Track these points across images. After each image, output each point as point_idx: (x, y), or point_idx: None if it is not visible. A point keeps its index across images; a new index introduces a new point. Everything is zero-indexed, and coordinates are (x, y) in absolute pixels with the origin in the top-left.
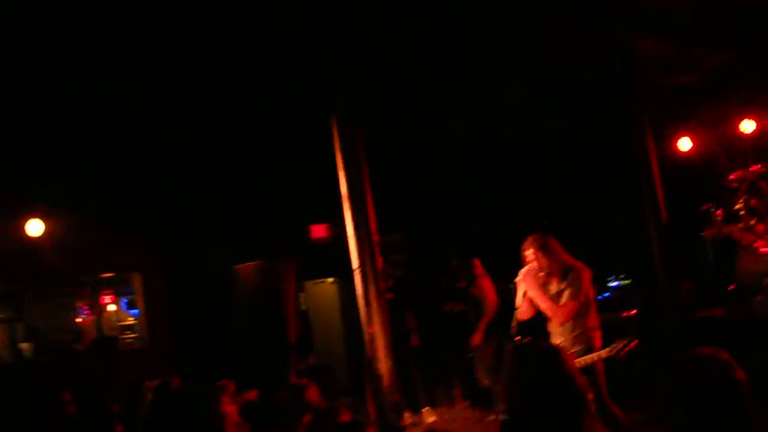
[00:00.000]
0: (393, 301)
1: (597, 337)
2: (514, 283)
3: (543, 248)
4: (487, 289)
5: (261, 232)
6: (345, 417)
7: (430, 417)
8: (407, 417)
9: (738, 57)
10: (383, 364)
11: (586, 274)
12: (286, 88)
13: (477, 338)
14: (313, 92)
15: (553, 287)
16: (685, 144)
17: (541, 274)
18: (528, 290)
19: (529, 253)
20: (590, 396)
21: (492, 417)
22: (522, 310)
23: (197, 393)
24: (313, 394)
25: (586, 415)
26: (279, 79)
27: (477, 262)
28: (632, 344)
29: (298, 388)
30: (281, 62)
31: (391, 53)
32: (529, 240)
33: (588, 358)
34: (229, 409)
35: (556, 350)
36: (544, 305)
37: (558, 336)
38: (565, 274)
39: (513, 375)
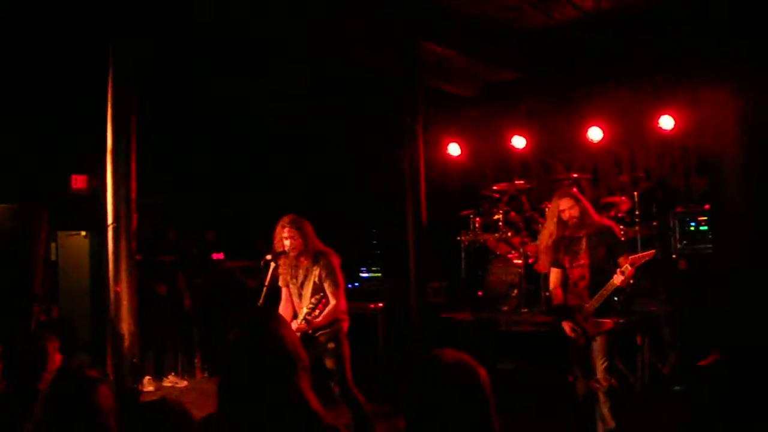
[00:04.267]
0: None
1: (345, 321)
2: (265, 261)
3: (298, 229)
4: None
5: (16, 174)
6: (90, 373)
7: (149, 386)
8: (147, 382)
9: (518, 76)
10: (126, 324)
11: (336, 260)
12: (64, 29)
13: None
14: (89, 41)
15: (302, 270)
16: (453, 150)
17: (292, 254)
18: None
19: (285, 232)
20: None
21: None
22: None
23: None
24: (52, 347)
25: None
26: (54, 27)
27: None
28: (324, 301)
29: (38, 339)
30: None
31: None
32: (285, 219)
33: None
34: None
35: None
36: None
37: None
38: (315, 258)
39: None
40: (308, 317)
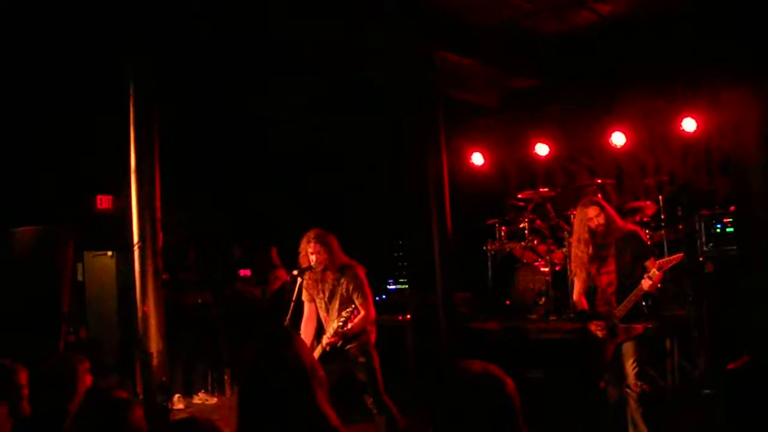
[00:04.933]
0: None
1: (373, 332)
2: (292, 276)
3: (324, 244)
4: (282, 278)
5: (41, 196)
6: (121, 394)
7: (179, 404)
8: (176, 400)
9: (539, 83)
10: (154, 343)
11: (362, 271)
12: (82, 51)
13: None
14: (111, 57)
15: (329, 284)
16: (477, 159)
17: (318, 269)
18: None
19: (310, 247)
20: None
21: None
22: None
23: None
24: (83, 368)
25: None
26: (75, 42)
27: (274, 252)
28: (355, 313)
29: (68, 360)
30: (79, 25)
31: (192, 32)
32: (310, 234)
33: (323, 346)
34: None
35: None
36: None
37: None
38: (341, 271)
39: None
40: (340, 330)
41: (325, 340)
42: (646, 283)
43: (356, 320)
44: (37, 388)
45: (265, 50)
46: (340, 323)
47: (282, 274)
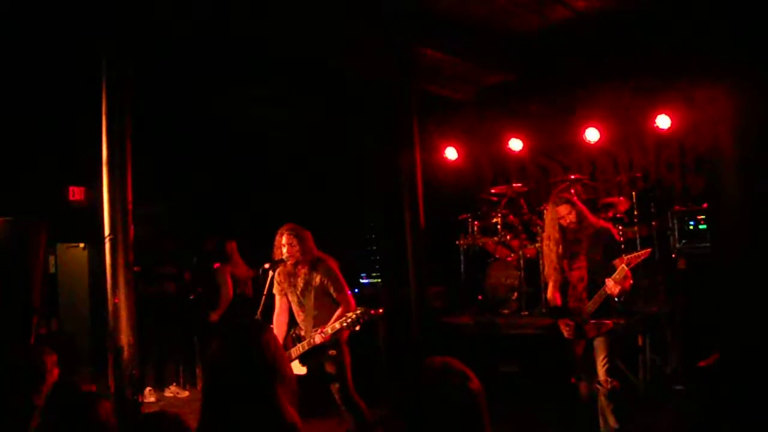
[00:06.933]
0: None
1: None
2: (263, 269)
3: (296, 237)
4: (239, 271)
5: (13, 187)
6: (88, 388)
7: (150, 397)
8: (148, 393)
9: (514, 79)
10: (125, 336)
11: (335, 265)
12: (56, 44)
13: (214, 316)
14: (83, 50)
15: (301, 278)
16: (450, 154)
17: (289, 263)
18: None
19: (283, 240)
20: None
21: None
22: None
23: None
24: (51, 360)
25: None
26: (46, 35)
27: (233, 245)
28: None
29: (35, 353)
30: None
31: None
32: (284, 227)
33: (301, 346)
34: None
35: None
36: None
37: (308, 328)
38: (314, 265)
39: (215, 353)
40: (330, 332)
41: (318, 338)
42: (609, 286)
43: (337, 312)
44: (5, 381)
45: (239, 48)
46: (338, 327)
47: (226, 271)
